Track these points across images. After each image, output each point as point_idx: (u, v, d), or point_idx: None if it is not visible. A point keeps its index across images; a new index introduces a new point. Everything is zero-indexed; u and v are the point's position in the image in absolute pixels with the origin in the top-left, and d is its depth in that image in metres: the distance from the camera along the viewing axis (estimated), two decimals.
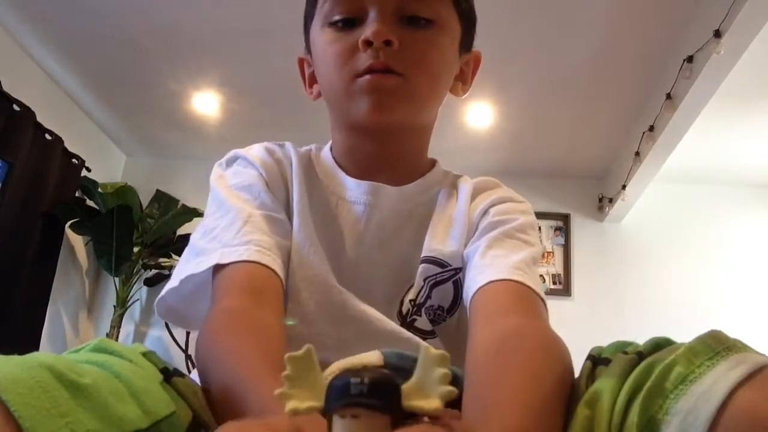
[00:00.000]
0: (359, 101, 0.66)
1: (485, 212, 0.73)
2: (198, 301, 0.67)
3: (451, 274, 0.70)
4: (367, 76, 0.64)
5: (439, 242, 0.71)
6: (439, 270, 0.70)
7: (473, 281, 0.64)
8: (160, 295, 0.67)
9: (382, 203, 0.72)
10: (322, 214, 0.72)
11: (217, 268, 0.62)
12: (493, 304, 0.61)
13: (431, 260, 0.70)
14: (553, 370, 0.47)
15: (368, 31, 0.63)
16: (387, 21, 0.64)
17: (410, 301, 0.69)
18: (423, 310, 0.69)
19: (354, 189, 0.72)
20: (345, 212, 0.72)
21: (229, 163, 0.75)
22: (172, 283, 0.65)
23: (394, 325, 0.65)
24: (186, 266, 0.64)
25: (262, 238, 0.64)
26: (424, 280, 0.69)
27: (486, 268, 0.64)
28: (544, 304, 0.64)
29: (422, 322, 0.69)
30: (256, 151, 0.75)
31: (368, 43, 0.63)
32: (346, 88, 0.66)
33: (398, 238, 0.72)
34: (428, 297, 0.69)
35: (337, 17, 0.67)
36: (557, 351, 0.51)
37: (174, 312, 0.70)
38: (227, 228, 0.65)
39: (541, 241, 3.06)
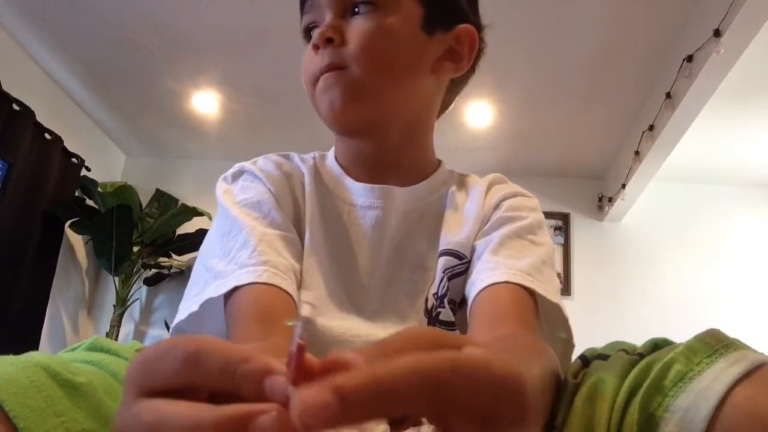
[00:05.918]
0: (321, 106, 0.67)
1: (498, 205, 0.73)
2: (207, 319, 0.65)
3: (467, 266, 0.70)
4: (321, 78, 0.65)
5: (455, 234, 0.71)
6: (457, 262, 0.70)
7: (479, 277, 0.65)
8: (176, 321, 0.65)
9: (394, 205, 0.71)
10: (335, 225, 0.72)
11: (233, 290, 0.60)
12: (495, 308, 0.61)
13: (450, 252, 0.70)
14: (540, 363, 0.48)
15: (314, 34, 0.65)
16: (337, 18, 0.65)
17: (434, 295, 0.69)
18: (445, 301, 0.69)
19: (366, 194, 0.72)
20: (359, 219, 0.71)
21: (235, 177, 0.74)
22: (192, 307, 0.62)
23: None
24: (205, 289, 0.63)
25: (278, 259, 0.63)
26: (443, 272, 0.69)
27: (493, 269, 0.64)
28: (561, 308, 0.64)
29: (445, 313, 0.69)
30: (262, 164, 0.74)
31: (316, 47, 0.65)
32: (312, 96, 0.68)
33: (414, 238, 0.72)
34: (447, 289, 0.69)
35: (305, 26, 0.69)
36: (546, 352, 0.51)
37: (181, 333, 0.68)
38: (242, 248, 0.63)
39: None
